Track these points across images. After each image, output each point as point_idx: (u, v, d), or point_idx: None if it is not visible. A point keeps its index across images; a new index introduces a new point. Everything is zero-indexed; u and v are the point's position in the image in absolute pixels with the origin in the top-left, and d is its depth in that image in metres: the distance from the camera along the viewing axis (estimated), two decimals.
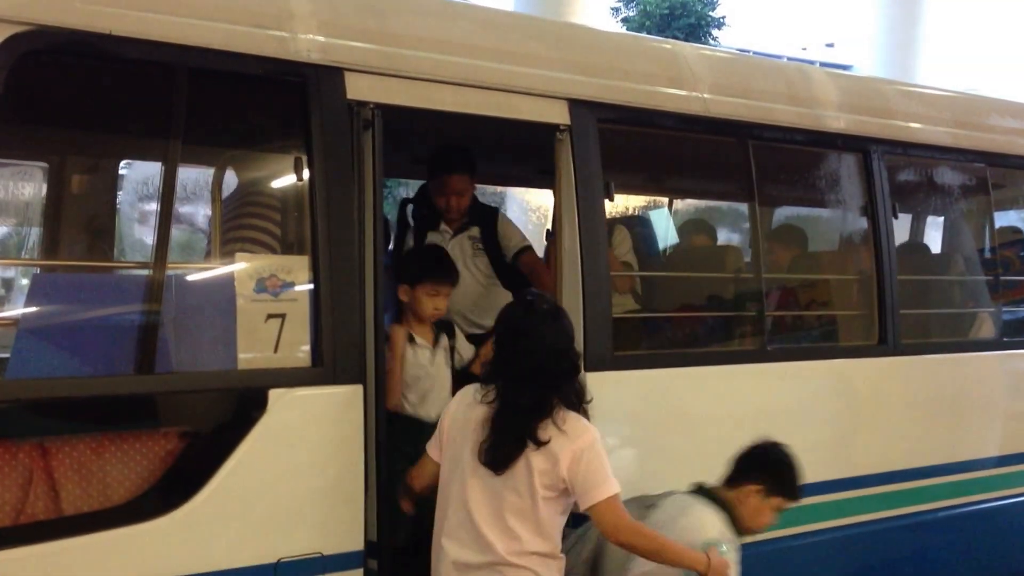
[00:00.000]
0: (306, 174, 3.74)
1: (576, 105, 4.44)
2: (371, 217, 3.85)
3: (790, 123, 5.22)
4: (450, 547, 3.47)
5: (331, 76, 3.78)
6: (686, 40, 19.70)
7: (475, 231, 4.92)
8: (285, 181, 3.93)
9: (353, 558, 3.70)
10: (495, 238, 4.94)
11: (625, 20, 21.27)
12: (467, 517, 3.44)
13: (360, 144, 3.80)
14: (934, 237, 6.90)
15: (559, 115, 4.40)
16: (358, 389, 3.74)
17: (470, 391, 3.60)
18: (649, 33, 20.06)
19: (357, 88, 3.83)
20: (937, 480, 5.69)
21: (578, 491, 3.40)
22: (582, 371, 3.63)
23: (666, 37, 19.97)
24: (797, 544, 5.05)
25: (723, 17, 21.34)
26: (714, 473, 4.69)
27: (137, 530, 3.28)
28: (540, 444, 3.37)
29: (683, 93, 4.83)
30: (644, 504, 4.07)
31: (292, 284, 3.64)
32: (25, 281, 3.25)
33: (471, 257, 4.91)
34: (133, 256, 3.85)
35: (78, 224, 4.02)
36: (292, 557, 3.57)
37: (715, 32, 21.21)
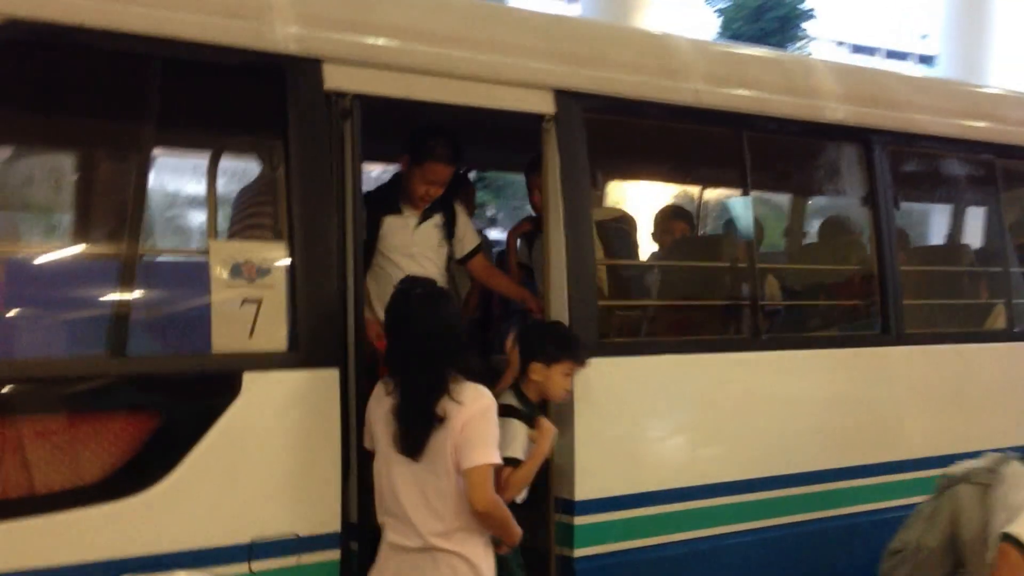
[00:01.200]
0: (283, 163, 3.80)
1: (562, 95, 4.47)
2: (351, 204, 3.92)
3: (787, 114, 5.22)
4: (387, 530, 3.56)
5: (308, 67, 3.85)
6: (778, 32, 20.30)
7: (439, 219, 4.73)
8: (262, 170, 4.01)
9: (329, 540, 3.76)
10: (453, 228, 4.82)
11: (720, 11, 22.00)
12: (397, 502, 3.52)
13: (340, 133, 3.87)
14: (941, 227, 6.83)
15: (544, 105, 4.43)
16: (334, 373, 3.80)
17: (381, 385, 3.65)
18: (741, 25, 20.49)
19: (335, 78, 3.89)
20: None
21: (458, 453, 3.43)
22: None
23: (757, 29, 20.54)
24: (796, 532, 5.05)
25: (811, 9, 21.82)
26: (701, 461, 4.72)
27: (111, 508, 3.37)
28: (440, 421, 3.42)
29: (673, 83, 4.85)
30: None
31: (268, 270, 3.71)
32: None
33: (437, 246, 4.71)
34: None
35: (50, 211, 4.15)
36: (266, 538, 3.63)
37: (805, 24, 21.51)
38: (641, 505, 4.51)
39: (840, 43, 38.31)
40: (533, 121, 4.43)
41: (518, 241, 5.41)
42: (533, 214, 5.17)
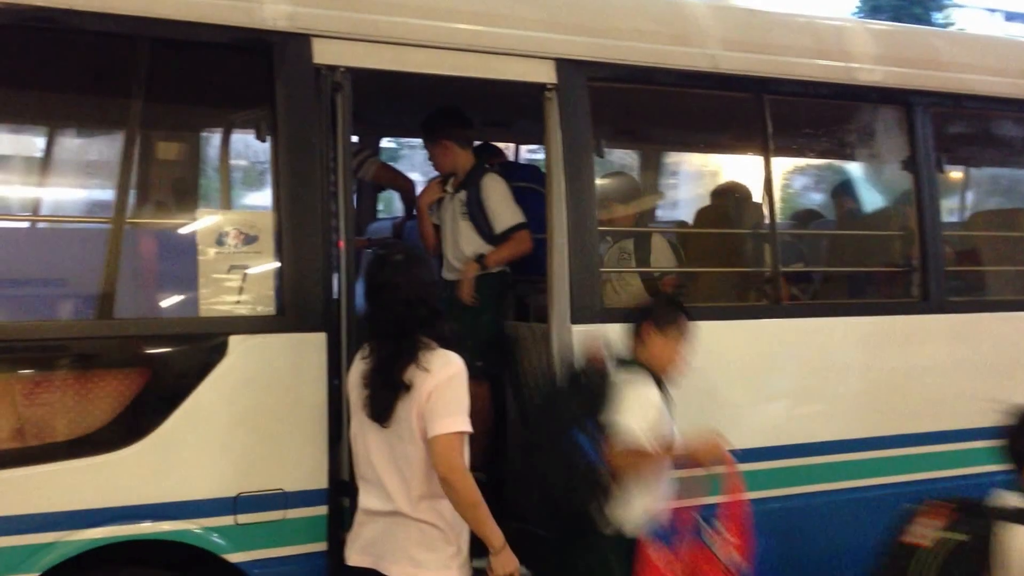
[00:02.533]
0: (272, 135, 3.97)
1: (564, 64, 4.51)
2: (343, 175, 4.07)
3: (816, 77, 5.12)
4: (361, 494, 3.63)
5: (297, 42, 3.99)
6: (920, 2, 19.63)
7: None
8: (251, 142, 4.18)
9: (316, 496, 3.92)
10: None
11: None
12: (370, 467, 3.57)
13: (329, 106, 4.01)
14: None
15: (545, 75, 4.48)
16: (322, 337, 3.96)
17: (360, 350, 3.70)
18: None
19: (324, 53, 4.03)
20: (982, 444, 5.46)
21: (426, 420, 3.42)
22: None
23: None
24: (832, 500, 5.00)
25: None
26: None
27: (101, 459, 3.61)
28: (407, 389, 3.44)
29: (687, 49, 4.82)
30: None
31: (256, 238, 3.89)
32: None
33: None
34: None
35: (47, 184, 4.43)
36: (252, 492, 3.83)
37: None
38: None
39: (992, 10, 36.59)
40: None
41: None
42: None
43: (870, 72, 5.28)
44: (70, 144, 4.51)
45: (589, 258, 4.50)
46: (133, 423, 3.67)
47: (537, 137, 4.79)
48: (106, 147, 4.28)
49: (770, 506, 4.77)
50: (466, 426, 3.45)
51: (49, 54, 3.79)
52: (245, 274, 3.87)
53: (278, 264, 3.92)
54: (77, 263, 3.87)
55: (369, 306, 3.65)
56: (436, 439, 3.40)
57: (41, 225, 4.01)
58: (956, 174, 7.03)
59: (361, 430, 3.61)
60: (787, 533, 4.84)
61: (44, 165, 4.42)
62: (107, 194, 3.97)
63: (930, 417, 5.36)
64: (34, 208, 4.50)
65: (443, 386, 3.44)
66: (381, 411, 3.49)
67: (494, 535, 3.49)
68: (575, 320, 4.43)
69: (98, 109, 4.30)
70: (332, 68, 4.03)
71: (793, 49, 5.11)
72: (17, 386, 3.55)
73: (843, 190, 6.40)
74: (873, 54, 5.33)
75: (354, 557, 3.66)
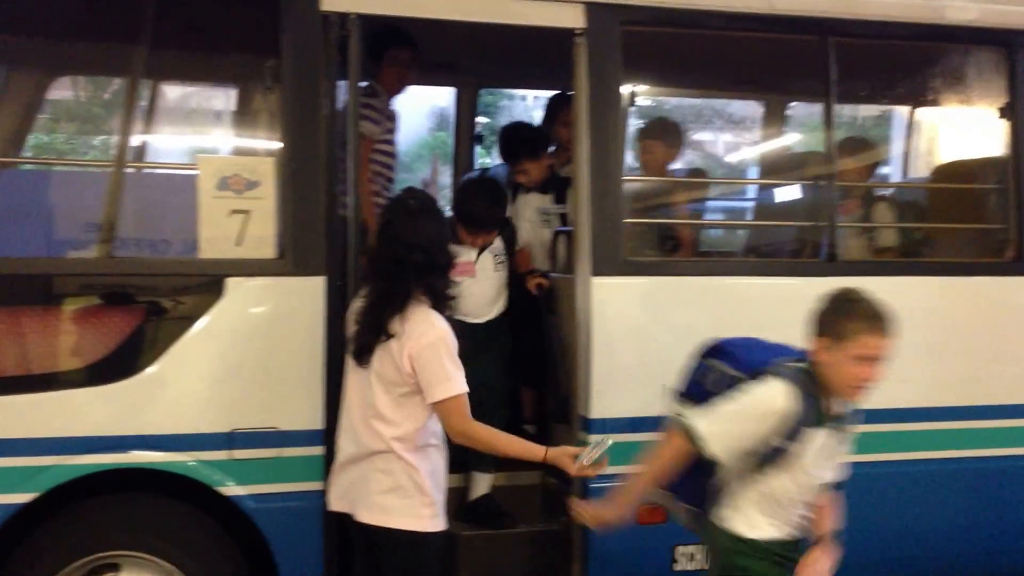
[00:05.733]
0: (279, 83, 4.04)
1: (594, 7, 4.35)
2: (352, 123, 4.11)
3: (895, 17, 4.72)
4: (340, 439, 3.71)
5: None
6: None
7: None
8: (258, 90, 4.27)
9: (311, 436, 4.01)
10: None
11: None
12: (348, 411, 3.66)
13: (335, 53, 4.04)
14: None
15: (573, 19, 4.34)
16: (320, 281, 4.04)
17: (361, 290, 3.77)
18: None
19: (332, 0, 4.05)
20: None
21: (423, 389, 3.48)
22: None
23: None
24: (916, 471, 4.73)
25: None
26: None
27: (100, 390, 3.83)
28: (388, 336, 3.49)
29: None
30: None
31: (257, 183, 3.98)
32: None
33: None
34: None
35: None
36: (247, 429, 3.97)
37: None
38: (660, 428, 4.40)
39: None
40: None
41: None
42: None
43: (962, 11, 4.82)
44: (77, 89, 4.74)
45: (612, 208, 4.37)
46: (131, 357, 3.88)
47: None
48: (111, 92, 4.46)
49: None
50: (461, 388, 3.53)
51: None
52: (245, 218, 3.98)
53: (278, 209, 4.00)
54: (82, 204, 4.09)
55: (375, 246, 3.73)
56: (439, 406, 3.51)
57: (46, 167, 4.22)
58: None
59: (348, 370, 3.71)
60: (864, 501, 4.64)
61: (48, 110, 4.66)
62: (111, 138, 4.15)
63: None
64: (38, 151, 4.80)
65: (428, 351, 3.48)
66: (361, 351, 3.59)
67: (530, 452, 3.65)
68: (596, 272, 4.33)
69: (103, 55, 4.50)
70: (341, 15, 4.05)
71: None
72: (23, 318, 3.81)
73: None
74: None
75: (334, 503, 3.76)
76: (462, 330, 3.85)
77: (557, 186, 5.22)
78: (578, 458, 3.58)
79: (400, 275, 3.51)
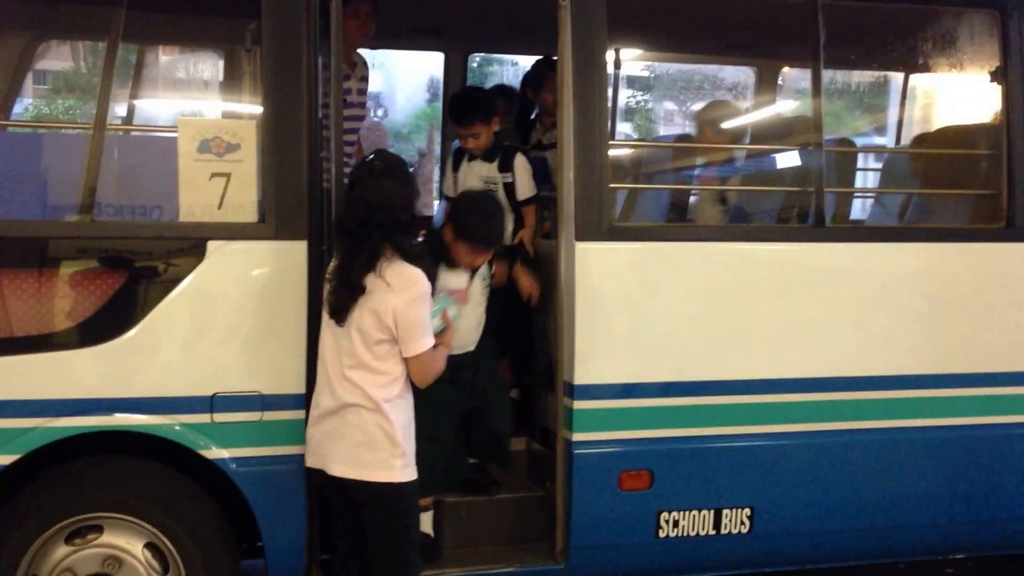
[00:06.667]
0: (259, 45, 4.01)
1: None
2: (334, 85, 4.07)
3: None
4: (315, 394, 3.77)
5: None
6: None
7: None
8: (238, 52, 4.24)
9: (293, 400, 4.00)
10: None
11: None
12: (324, 368, 3.71)
13: (319, 13, 4.01)
14: None
15: None
16: (302, 245, 4.02)
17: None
18: None
19: None
20: None
21: (400, 341, 3.61)
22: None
23: None
24: (889, 439, 4.71)
25: None
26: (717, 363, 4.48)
27: (81, 353, 3.83)
28: (363, 292, 3.56)
29: None
30: None
31: (238, 146, 3.96)
32: None
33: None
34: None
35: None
36: (228, 392, 3.97)
37: None
38: (644, 395, 4.40)
39: None
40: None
41: None
42: None
43: None
44: (56, 52, 4.71)
45: (596, 173, 4.34)
46: (113, 320, 3.86)
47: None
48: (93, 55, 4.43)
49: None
50: (430, 342, 3.68)
51: None
52: (226, 181, 3.96)
53: (260, 173, 3.98)
54: (62, 167, 4.07)
55: (344, 206, 3.83)
56: (414, 359, 3.63)
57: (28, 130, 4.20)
58: None
59: (324, 328, 3.77)
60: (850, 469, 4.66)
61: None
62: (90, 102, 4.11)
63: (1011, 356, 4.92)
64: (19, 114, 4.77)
65: (408, 306, 3.59)
66: (337, 309, 3.66)
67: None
68: (580, 237, 4.32)
69: (81, 17, 4.46)
70: None
71: None
72: (3, 281, 3.80)
73: None
74: None
75: (310, 459, 3.82)
76: (455, 367, 4.08)
77: (501, 154, 5.09)
78: None
79: (365, 233, 3.58)
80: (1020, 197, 4.85)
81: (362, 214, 3.62)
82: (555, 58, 4.48)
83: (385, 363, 3.62)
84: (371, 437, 3.63)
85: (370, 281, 3.59)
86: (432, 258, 4.06)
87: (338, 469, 3.66)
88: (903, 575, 5.63)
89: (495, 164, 5.08)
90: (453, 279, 4.36)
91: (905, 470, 4.76)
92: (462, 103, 5.13)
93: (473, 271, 4.45)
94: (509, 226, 4.94)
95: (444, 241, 4.34)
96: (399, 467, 3.65)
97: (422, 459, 3.78)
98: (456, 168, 5.23)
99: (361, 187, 3.71)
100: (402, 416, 3.68)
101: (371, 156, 3.96)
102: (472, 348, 4.51)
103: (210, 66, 4.47)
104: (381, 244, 3.61)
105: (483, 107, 5.07)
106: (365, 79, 5.56)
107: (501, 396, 4.70)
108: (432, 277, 3.86)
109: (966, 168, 5.18)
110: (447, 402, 4.34)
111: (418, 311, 3.61)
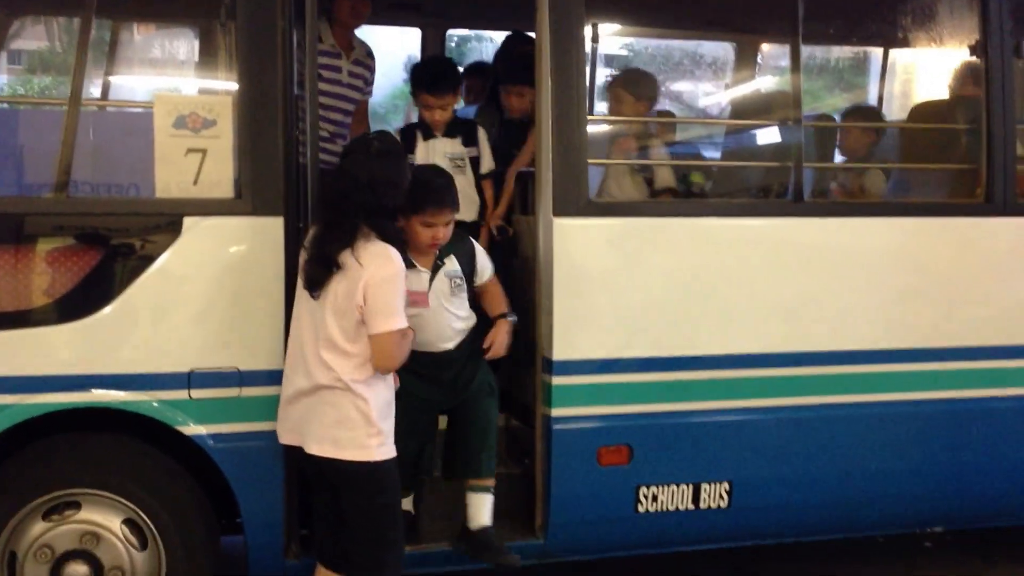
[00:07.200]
0: (233, 20, 3.98)
1: None
2: (309, 61, 4.05)
3: None
4: (289, 371, 3.76)
5: None
6: None
7: None
8: (213, 27, 4.21)
9: (271, 376, 3.98)
10: None
11: None
12: (299, 346, 3.70)
13: None
14: None
15: None
16: (279, 221, 4.01)
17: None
18: None
19: None
20: None
21: (366, 317, 3.57)
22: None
23: None
24: (866, 413, 4.73)
25: None
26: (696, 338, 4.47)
27: (57, 329, 3.82)
28: (339, 268, 3.55)
29: None
30: None
31: (214, 122, 3.94)
32: None
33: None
34: None
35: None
36: (206, 369, 3.96)
37: None
38: (623, 371, 4.40)
39: None
40: None
41: None
42: None
43: None
44: (31, 31, 4.67)
45: (575, 148, 4.33)
46: (90, 297, 3.84)
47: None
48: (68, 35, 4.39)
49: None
50: (401, 323, 3.61)
51: None
52: (202, 157, 3.94)
53: (236, 149, 3.96)
54: (37, 143, 4.05)
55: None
56: (375, 337, 3.58)
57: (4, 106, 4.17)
58: None
59: (299, 303, 3.76)
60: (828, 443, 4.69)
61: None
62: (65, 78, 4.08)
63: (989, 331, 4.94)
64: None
65: (379, 285, 3.56)
66: (312, 282, 3.64)
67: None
68: (558, 213, 4.31)
69: None
70: None
71: None
72: None
73: None
74: None
75: (285, 436, 3.82)
76: (434, 365, 4.08)
77: (463, 130, 4.97)
78: None
79: (346, 209, 3.56)
80: (998, 172, 4.86)
81: (345, 188, 3.61)
82: (530, 34, 4.46)
83: (356, 344, 3.59)
84: (346, 416, 3.61)
85: (345, 258, 3.57)
86: None
87: (314, 448, 3.67)
88: (882, 548, 5.66)
89: (458, 140, 4.92)
90: (412, 281, 4.04)
91: (883, 444, 4.79)
92: (437, 71, 4.97)
93: (435, 270, 4.17)
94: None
95: (401, 236, 3.90)
96: (374, 446, 3.63)
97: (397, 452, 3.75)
98: (411, 150, 4.85)
99: (350, 161, 3.70)
100: (379, 396, 3.66)
101: (372, 134, 3.91)
102: (450, 346, 4.23)
103: (186, 42, 4.44)
104: (361, 223, 3.59)
105: (456, 77, 5.00)
106: (361, 63, 5.51)
107: (485, 404, 4.34)
108: None
109: (946, 143, 5.18)
110: (425, 399, 4.19)
111: (388, 289, 3.57)
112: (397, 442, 3.76)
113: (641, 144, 5.10)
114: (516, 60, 5.26)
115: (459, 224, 4.30)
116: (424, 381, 4.14)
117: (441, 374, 4.22)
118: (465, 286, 4.25)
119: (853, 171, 5.19)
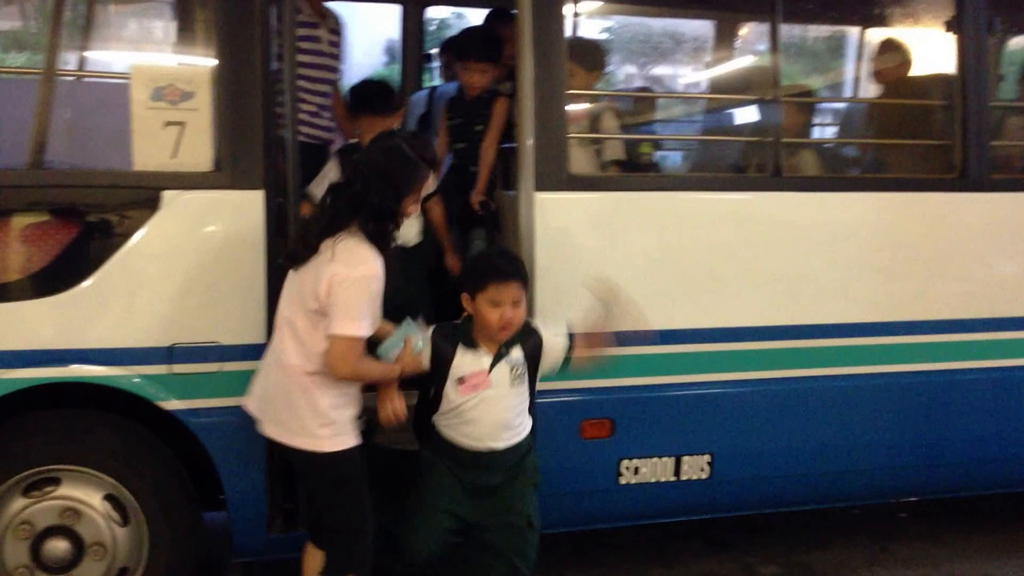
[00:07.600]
0: None
1: None
2: (288, 35, 4.01)
3: None
4: (270, 344, 3.74)
5: None
6: None
7: None
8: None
9: (253, 350, 3.93)
10: None
11: None
12: (277, 318, 3.68)
13: None
14: None
15: None
16: (258, 194, 3.98)
17: None
18: None
19: None
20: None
21: (328, 316, 3.47)
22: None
23: None
24: (844, 385, 4.77)
25: None
26: (677, 312, 4.49)
27: (35, 304, 3.78)
28: (316, 253, 3.49)
29: None
30: None
31: (192, 94, 3.90)
32: None
33: None
34: None
35: None
36: (186, 343, 3.93)
37: None
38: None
39: None
40: None
41: None
42: None
43: None
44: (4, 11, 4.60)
45: (555, 122, 4.32)
46: (68, 271, 3.80)
47: None
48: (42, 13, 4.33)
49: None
50: (362, 332, 3.49)
51: None
52: (180, 130, 3.90)
53: (215, 121, 3.92)
54: (11, 115, 3.99)
55: None
56: (332, 338, 3.46)
57: None
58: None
59: (288, 276, 3.70)
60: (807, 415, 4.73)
61: None
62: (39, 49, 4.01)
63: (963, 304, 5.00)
64: None
65: (345, 284, 3.44)
66: (292, 256, 3.62)
67: (391, 371, 3.68)
68: (539, 187, 4.30)
69: None
70: None
71: None
72: None
73: None
74: None
75: (249, 403, 3.78)
76: (465, 466, 3.89)
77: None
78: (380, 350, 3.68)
79: (341, 193, 3.54)
80: (973, 148, 4.90)
81: (349, 176, 3.60)
82: (513, 12, 4.44)
83: (311, 334, 3.52)
84: (294, 403, 3.57)
85: (325, 246, 3.49)
86: (447, 340, 3.84)
87: (269, 429, 3.66)
88: (858, 519, 5.73)
89: None
90: (472, 362, 3.82)
91: (860, 416, 4.83)
92: (483, 38, 5.06)
93: (497, 357, 3.85)
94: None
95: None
96: (326, 436, 3.56)
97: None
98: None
99: (366, 150, 3.66)
100: (335, 387, 3.56)
101: (408, 131, 3.87)
102: (499, 446, 3.90)
103: (163, 13, 4.38)
104: (349, 216, 3.52)
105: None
106: (336, 31, 5.48)
107: (525, 538, 3.96)
108: (447, 358, 3.80)
109: (920, 119, 5.22)
110: (450, 497, 3.92)
111: (354, 291, 3.43)
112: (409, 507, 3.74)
113: (592, 117, 5.08)
114: (478, 38, 5.21)
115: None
116: (460, 484, 3.92)
117: (476, 479, 3.92)
118: (527, 377, 3.94)
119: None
